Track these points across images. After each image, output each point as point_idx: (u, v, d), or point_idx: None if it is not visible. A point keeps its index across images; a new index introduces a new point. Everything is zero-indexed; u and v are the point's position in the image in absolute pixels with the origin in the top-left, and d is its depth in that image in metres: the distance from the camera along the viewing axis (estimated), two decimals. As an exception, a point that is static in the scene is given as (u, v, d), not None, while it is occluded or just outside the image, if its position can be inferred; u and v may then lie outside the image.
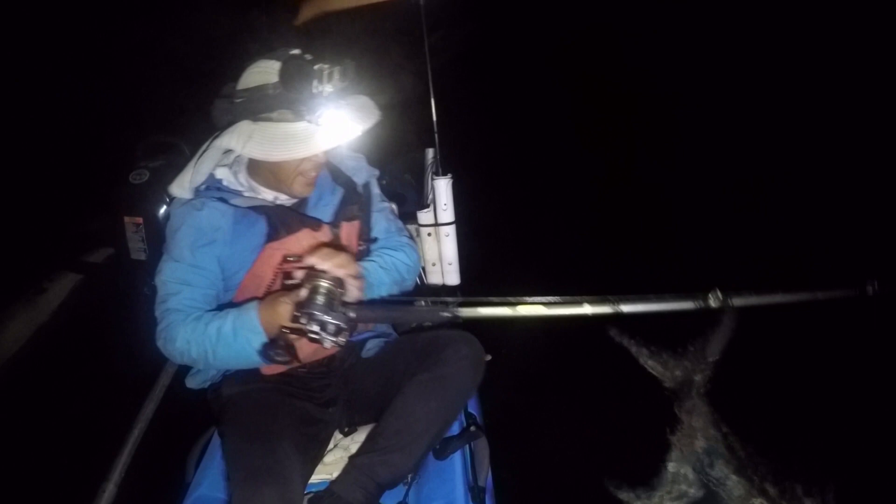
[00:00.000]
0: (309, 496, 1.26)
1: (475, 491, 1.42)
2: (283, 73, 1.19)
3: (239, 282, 1.34)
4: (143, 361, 1.55)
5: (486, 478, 1.49)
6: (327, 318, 1.08)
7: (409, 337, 1.51)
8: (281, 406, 1.35)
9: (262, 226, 1.32)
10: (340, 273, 1.16)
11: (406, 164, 2.08)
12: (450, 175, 1.82)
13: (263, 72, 1.23)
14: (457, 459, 1.45)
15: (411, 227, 1.83)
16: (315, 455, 1.38)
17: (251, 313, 1.18)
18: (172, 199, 1.37)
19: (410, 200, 1.97)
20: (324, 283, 1.12)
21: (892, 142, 3.17)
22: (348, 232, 1.45)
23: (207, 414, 1.46)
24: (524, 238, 3.33)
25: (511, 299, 1.15)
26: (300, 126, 1.21)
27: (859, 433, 1.98)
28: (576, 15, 5.39)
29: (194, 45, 3.75)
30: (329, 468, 1.41)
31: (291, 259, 1.24)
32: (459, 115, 2.41)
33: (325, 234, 1.38)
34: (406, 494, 1.36)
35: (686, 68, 4.54)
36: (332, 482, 1.26)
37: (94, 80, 3.74)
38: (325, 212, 1.42)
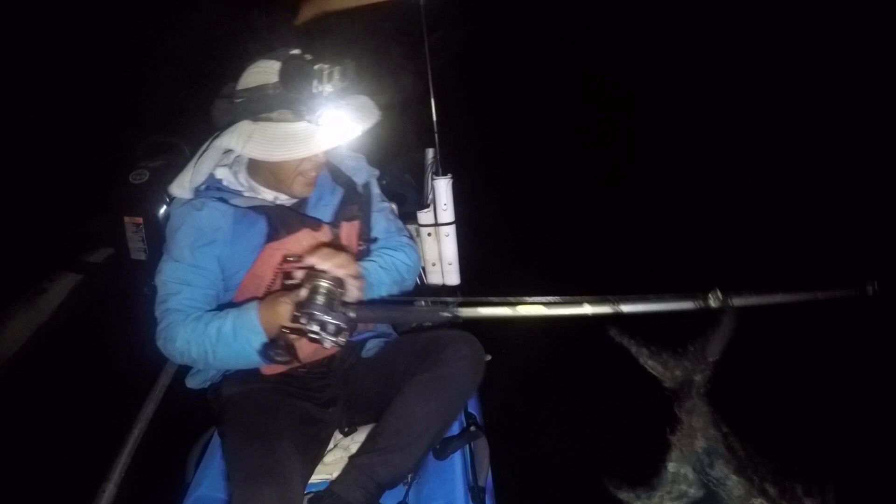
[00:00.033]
0: (309, 496, 1.26)
1: (475, 491, 1.42)
2: (283, 73, 1.19)
3: (239, 282, 1.34)
4: (143, 361, 1.55)
5: (486, 478, 1.49)
6: (327, 318, 1.08)
7: (409, 337, 1.51)
8: (281, 406, 1.35)
9: (262, 226, 1.32)
10: (340, 273, 1.16)
11: (406, 164, 2.08)
12: (450, 175, 1.82)
13: (263, 72, 1.23)
14: (457, 459, 1.45)
15: (411, 227, 1.83)
16: (315, 455, 1.38)
17: (251, 313, 1.18)
18: (172, 199, 1.37)
19: (410, 200, 1.97)
20: (324, 283, 1.12)
21: (891, 142, 3.17)
22: (348, 232, 1.45)
23: (207, 414, 1.46)
24: (524, 238, 3.33)
25: (511, 299, 1.15)
26: (300, 126, 1.21)
27: (859, 433, 1.98)
28: (576, 15, 5.39)
29: (194, 45, 3.75)
30: (329, 468, 1.41)
31: (291, 259, 1.24)
32: (459, 115, 2.41)
33: (325, 234, 1.38)
34: (406, 494, 1.36)
35: (686, 68, 4.54)
36: (332, 482, 1.26)
37: (94, 80, 3.74)
38: (325, 212, 1.42)
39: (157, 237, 1.46)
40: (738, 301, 1.20)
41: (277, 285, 1.32)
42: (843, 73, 3.91)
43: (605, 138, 4.23)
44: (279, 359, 1.13)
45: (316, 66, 1.19)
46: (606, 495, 1.98)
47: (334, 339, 1.08)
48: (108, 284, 1.86)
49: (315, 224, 1.37)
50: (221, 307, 1.29)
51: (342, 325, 1.09)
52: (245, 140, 1.21)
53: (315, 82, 1.18)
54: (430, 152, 1.88)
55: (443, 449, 1.43)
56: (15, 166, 3.25)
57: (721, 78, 4.33)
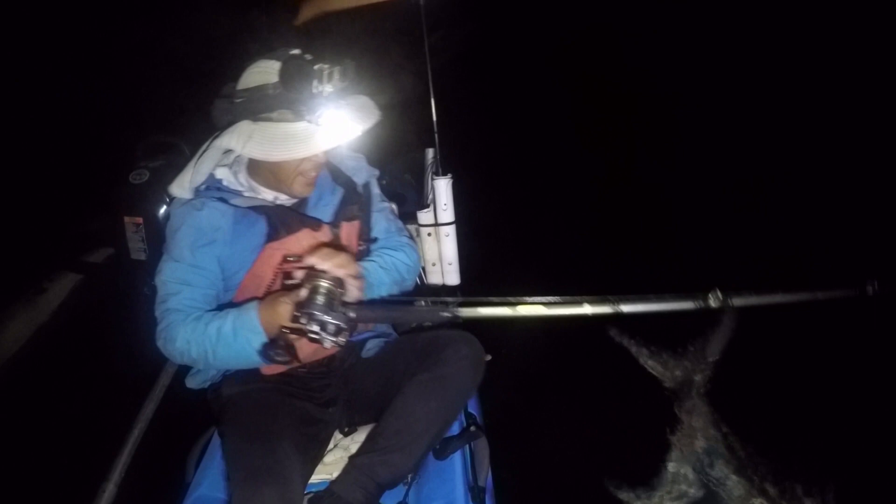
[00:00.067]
0: (309, 496, 1.26)
1: (475, 491, 1.42)
2: (283, 73, 1.19)
3: (239, 282, 1.34)
4: (143, 361, 1.55)
5: (486, 478, 1.49)
6: (327, 318, 1.08)
7: (409, 337, 1.51)
8: (281, 406, 1.35)
9: (262, 226, 1.32)
10: (340, 273, 1.16)
11: (406, 164, 2.08)
12: (450, 175, 1.82)
13: (263, 72, 1.23)
14: (457, 459, 1.45)
15: (411, 227, 1.83)
16: (315, 455, 1.38)
17: (251, 313, 1.18)
18: (172, 199, 1.37)
19: (410, 200, 1.97)
20: (324, 283, 1.12)
21: (891, 142, 3.17)
22: (348, 232, 1.45)
23: (207, 414, 1.46)
24: (524, 238, 3.33)
25: (511, 299, 1.15)
26: (300, 126, 1.21)
27: (859, 433, 1.98)
28: (576, 15, 5.39)
29: (194, 45, 3.75)
30: (329, 468, 1.41)
31: (291, 259, 1.24)
32: (459, 115, 2.41)
33: (325, 234, 1.38)
34: (406, 494, 1.36)
35: (686, 68, 4.54)
36: (332, 482, 1.26)
37: (94, 80, 3.74)
38: (325, 212, 1.42)
39: (157, 237, 1.46)
40: (738, 301, 1.20)
41: (277, 285, 1.32)
42: (843, 73, 3.91)
43: (605, 138, 4.23)
44: (279, 359, 1.13)
45: (316, 66, 1.19)
46: (606, 495, 1.97)
47: (334, 339, 1.08)
48: (108, 284, 1.86)
49: (315, 224, 1.37)
50: (221, 307, 1.29)
51: (342, 325, 1.09)
52: (245, 140, 1.21)
53: (315, 82, 1.18)
54: (430, 152, 1.88)
55: (443, 449, 1.43)
56: (15, 166, 3.25)
57: (721, 78, 4.33)
